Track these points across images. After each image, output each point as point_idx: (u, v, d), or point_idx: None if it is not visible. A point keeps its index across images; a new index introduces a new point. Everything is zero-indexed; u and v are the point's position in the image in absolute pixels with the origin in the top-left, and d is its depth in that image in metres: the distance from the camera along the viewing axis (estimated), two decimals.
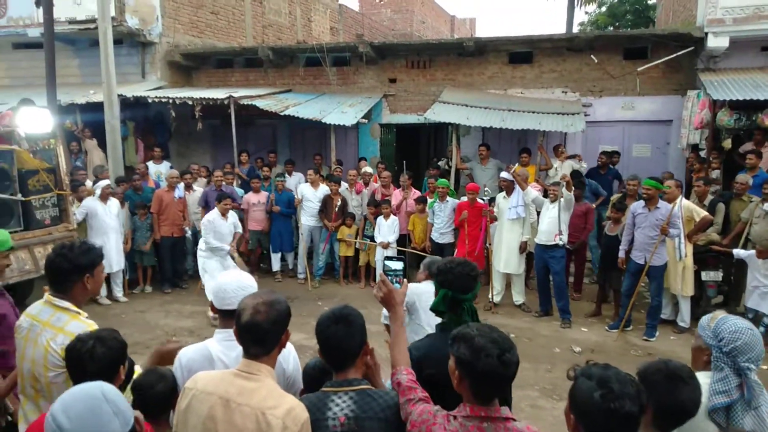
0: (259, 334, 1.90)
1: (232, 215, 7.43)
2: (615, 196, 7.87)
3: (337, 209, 8.66)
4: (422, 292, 3.56)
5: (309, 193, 8.76)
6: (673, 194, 6.52)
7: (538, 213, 8.03)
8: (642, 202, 6.47)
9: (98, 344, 1.99)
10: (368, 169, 9.35)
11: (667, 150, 10.01)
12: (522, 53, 10.70)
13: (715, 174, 8.25)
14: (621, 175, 9.22)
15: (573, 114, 9.31)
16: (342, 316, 2.04)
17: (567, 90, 10.53)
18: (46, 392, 2.46)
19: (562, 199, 6.78)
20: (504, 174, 7.56)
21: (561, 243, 6.90)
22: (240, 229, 7.65)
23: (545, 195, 7.32)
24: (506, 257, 7.49)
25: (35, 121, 6.60)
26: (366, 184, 9.11)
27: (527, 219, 7.36)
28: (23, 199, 6.49)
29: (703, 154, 8.89)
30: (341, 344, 2.01)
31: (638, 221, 6.47)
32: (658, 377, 1.90)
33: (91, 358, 1.96)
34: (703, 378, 2.09)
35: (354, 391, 1.98)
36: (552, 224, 6.90)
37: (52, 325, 2.44)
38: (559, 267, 6.99)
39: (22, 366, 2.48)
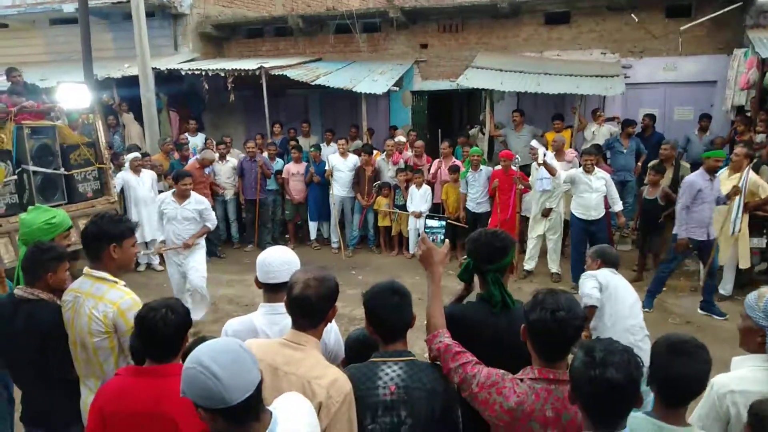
0: (308, 308, 1.97)
1: (197, 201, 6.01)
2: (651, 163, 7.65)
3: (368, 180, 8.64)
4: (613, 284, 3.78)
5: (339, 163, 8.77)
6: (740, 163, 6.14)
7: None
8: (706, 174, 5.98)
9: (169, 311, 2.08)
10: (401, 138, 9.28)
11: (710, 112, 9.62)
12: (559, 13, 10.33)
13: (761, 138, 7.91)
14: (665, 139, 8.88)
15: (612, 76, 9.01)
16: (396, 289, 2.10)
17: (606, 51, 10.16)
18: (94, 358, 2.60)
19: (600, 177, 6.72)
20: (534, 142, 7.35)
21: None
22: (211, 223, 6.16)
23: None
24: (535, 224, 7.50)
25: (75, 96, 6.75)
26: (399, 153, 9.07)
27: (560, 189, 7.15)
28: (66, 173, 6.67)
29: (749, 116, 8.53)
30: (396, 316, 2.07)
31: (703, 196, 5.92)
32: (659, 350, 1.87)
33: (165, 325, 2.05)
34: (759, 361, 2.06)
35: (403, 361, 2.04)
36: (600, 199, 6.74)
37: (93, 294, 2.57)
38: (607, 238, 6.91)
39: (73, 335, 2.62)
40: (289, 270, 2.27)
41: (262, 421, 1.51)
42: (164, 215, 5.95)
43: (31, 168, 6.27)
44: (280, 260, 2.34)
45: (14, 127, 6.13)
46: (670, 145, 7.23)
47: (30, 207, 3.63)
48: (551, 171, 6.86)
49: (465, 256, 2.43)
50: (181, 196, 5.91)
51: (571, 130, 8.99)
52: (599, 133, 8.90)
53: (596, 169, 6.79)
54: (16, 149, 6.16)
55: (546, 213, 7.29)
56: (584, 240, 6.95)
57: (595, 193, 6.72)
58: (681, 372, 1.80)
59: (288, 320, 2.08)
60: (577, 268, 7.09)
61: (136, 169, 7.93)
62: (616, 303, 3.76)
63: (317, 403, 1.82)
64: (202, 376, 1.40)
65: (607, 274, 3.88)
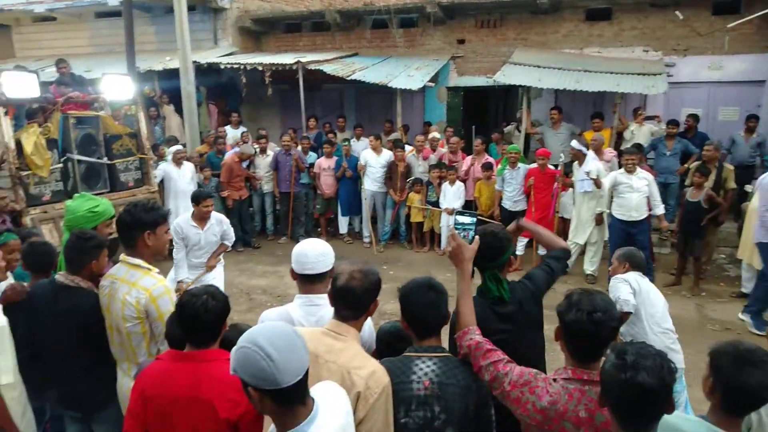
0: (352, 299, 2.02)
1: (218, 222, 5.29)
2: (693, 165, 7.43)
3: (401, 176, 8.62)
4: (645, 287, 3.78)
5: (372, 159, 8.78)
6: None
7: None
8: None
9: (210, 298, 2.13)
10: (436, 135, 9.23)
11: (758, 113, 9.30)
12: (600, 9, 10.14)
13: None
14: (709, 139, 8.44)
15: (654, 75, 8.78)
16: (432, 285, 2.12)
17: (648, 49, 9.92)
18: (126, 343, 2.68)
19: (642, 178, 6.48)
20: (574, 143, 7.18)
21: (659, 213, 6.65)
22: (229, 241, 5.48)
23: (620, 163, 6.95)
24: (575, 227, 7.26)
25: (118, 88, 6.92)
26: (433, 150, 9.03)
27: (603, 190, 6.91)
28: (109, 162, 6.87)
29: None
30: (432, 312, 2.09)
31: None
32: (725, 359, 1.81)
33: (206, 311, 2.10)
34: None
35: (438, 357, 2.06)
36: (641, 200, 6.52)
37: (127, 280, 2.64)
38: (647, 240, 6.68)
39: (109, 320, 2.70)
40: (324, 262, 2.31)
41: (307, 406, 1.55)
42: (186, 243, 5.17)
43: (76, 157, 6.47)
44: (316, 252, 2.36)
45: (61, 117, 6.33)
46: (714, 146, 7.01)
47: (75, 195, 3.74)
48: (597, 184, 6.71)
49: None
50: (202, 218, 5.20)
51: (611, 129, 8.80)
52: (639, 132, 8.68)
53: (638, 169, 6.60)
54: (62, 138, 6.37)
55: (599, 220, 7.03)
56: (624, 242, 6.77)
57: (636, 193, 6.53)
58: (749, 382, 1.75)
59: (324, 311, 2.10)
60: None
61: (178, 161, 8.09)
62: (651, 306, 3.73)
63: (356, 393, 1.85)
64: (257, 356, 1.43)
65: (637, 278, 3.81)
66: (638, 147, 7.68)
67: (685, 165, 8.00)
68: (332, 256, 2.40)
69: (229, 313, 2.23)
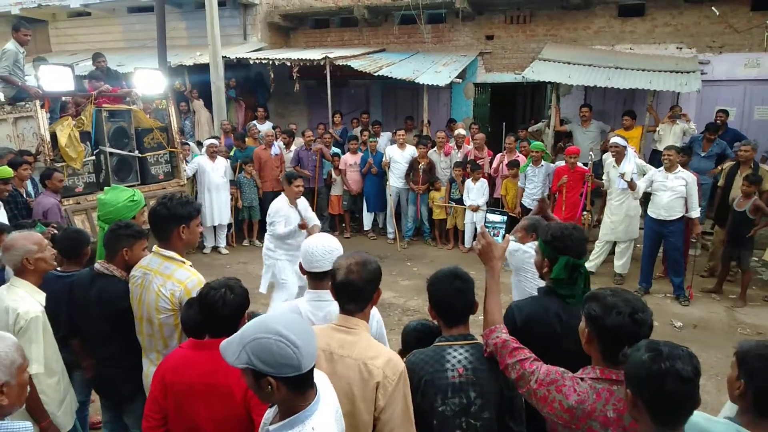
0: (353, 292, 2.02)
1: (303, 204, 5.30)
2: (727, 165, 7.21)
3: (422, 172, 8.57)
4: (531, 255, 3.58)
5: (396, 155, 8.76)
6: None
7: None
8: None
9: (228, 291, 2.18)
10: (461, 131, 9.17)
11: None
12: (633, 5, 9.95)
13: None
14: (743, 137, 8.07)
15: (688, 72, 8.58)
16: (459, 274, 2.17)
17: (682, 46, 9.70)
18: (158, 333, 2.71)
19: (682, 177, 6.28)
20: (616, 139, 6.96)
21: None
22: (316, 221, 5.41)
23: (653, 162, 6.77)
24: (614, 226, 7.02)
25: (150, 82, 7.05)
26: (459, 147, 8.97)
27: (637, 192, 6.71)
28: (140, 155, 7.01)
29: None
30: (459, 299, 2.12)
31: None
32: (760, 363, 1.77)
33: (224, 304, 2.15)
34: None
35: (469, 344, 2.11)
36: (676, 200, 6.30)
37: (161, 272, 2.66)
38: (680, 242, 6.49)
39: (140, 310, 2.73)
40: (331, 259, 2.28)
41: (314, 387, 1.57)
42: (287, 227, 5.06)
43: (108, 149, 6.62)
44: (322, 249, 2.36)
45: (94, 110, 6.48)
46: (751, 146, 6.79)
47: (106, 188, 3.82)
48: (632, 187, 6.53)
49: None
50: (294, 198, 5.02)
51: (642, 127, 8.62)
52: (669, 132, 8.45)
53: (679, 168, 6.36)
54: (95, 131, 6.52)
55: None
56: (656, 242, 6.61)
57: (668, 192, 6.31)
58: None
59: (331, 307, 2.12)
60: (647, 270, 6.79)
61: (212, 155, 8.18)
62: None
63: (374, 383, 1.86)
64: (282, 344, 1.43)
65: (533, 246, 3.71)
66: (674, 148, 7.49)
67: (718, 168, 7.77)
68: (339, 252, 2.38)
69: (248, 307, 2.25)
